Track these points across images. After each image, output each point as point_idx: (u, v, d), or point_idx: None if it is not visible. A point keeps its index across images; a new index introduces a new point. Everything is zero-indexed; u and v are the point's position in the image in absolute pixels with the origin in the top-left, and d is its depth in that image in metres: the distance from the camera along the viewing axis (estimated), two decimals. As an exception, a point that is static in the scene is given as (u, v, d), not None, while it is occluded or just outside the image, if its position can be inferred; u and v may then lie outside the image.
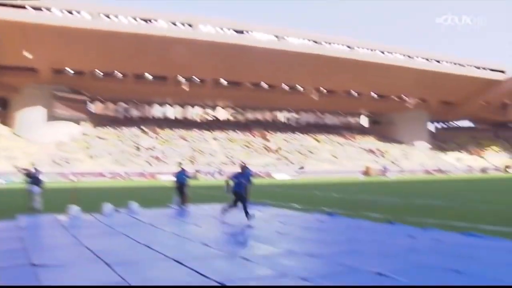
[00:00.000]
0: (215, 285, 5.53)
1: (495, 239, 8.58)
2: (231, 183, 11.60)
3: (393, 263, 6.73)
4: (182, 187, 15.63)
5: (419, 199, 19.39)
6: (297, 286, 5.45)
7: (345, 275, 6.07)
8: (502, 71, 73.58)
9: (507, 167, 71.41)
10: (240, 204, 11.50)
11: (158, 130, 65.90)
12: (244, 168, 11.71)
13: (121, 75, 59.13)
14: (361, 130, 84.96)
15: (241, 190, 11.44)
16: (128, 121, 68.91)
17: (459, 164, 75.27)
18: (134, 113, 75.38)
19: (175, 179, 15.76)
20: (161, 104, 75.38)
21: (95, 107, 71.53)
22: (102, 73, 58.11)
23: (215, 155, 61.85)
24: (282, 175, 54.89)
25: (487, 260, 6.77)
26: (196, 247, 8.14)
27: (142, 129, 65.69)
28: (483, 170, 69.19)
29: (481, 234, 9.07)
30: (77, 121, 60.22)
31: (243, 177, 11.52)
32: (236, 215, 13.42)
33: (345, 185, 33.78)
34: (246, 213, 11.29)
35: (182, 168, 16.13)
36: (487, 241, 8.38)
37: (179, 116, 75.29)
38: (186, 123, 71.86)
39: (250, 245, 8.45)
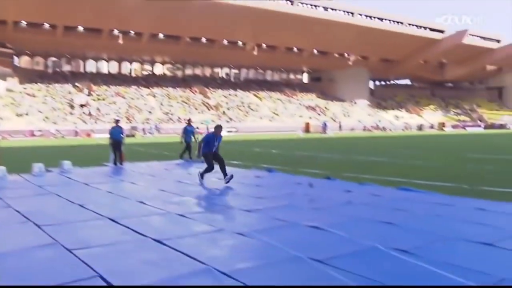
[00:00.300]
0: (152, 242, 5.53)
1: (428, 193, 9.05)
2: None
3: (330, 217, 6.97)
4: (117, 144, 15.29)
5: (356, 155, 20.07)
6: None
7: (282, 229, 6.22)
8: (442, 31, 76.04)
9: (442, 125, 75.07)
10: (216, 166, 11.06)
11: (92, 86, 63.46)
12: (219, 130, 11.17)
13: (50, 26, 55.83)
14: (302, 87, 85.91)
15: (216, 151, 11.15)
16: (60, 77, 65.63)
17: (397, 121, 78.29)
18: (66, 68, 71.91)
19: (110, 136, 15.37)
20: (95, 59, 72.15)
21: (22, 62, 67.50)
22: (27, 24, 54.50)
23: (153, 112, 60.73)
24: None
25: (420, 213, 7.13)
26: (131, 205, 8.06)
27: (75, 85, 62.95)
28: (420, 128, 72.41)
29: (415, 188, 9.55)
30: (2, 77, 56.76)
31: (217, 139, 11.12)
32: (173, 173, 13.38)
33: (284, 141, 34.33)
34: (225, 174, 10.85)
35: (118, 125, 15.72)
36: (420, 195, 8.82)
37: (115, 72, 72.61)
38: (122, 79, 69.58)
39: (187, 202, 8.46)
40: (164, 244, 5.42)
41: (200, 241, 5.65)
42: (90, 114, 55.79)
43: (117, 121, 16.04)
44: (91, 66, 72.97)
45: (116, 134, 15.28)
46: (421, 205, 7.77)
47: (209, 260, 4.74)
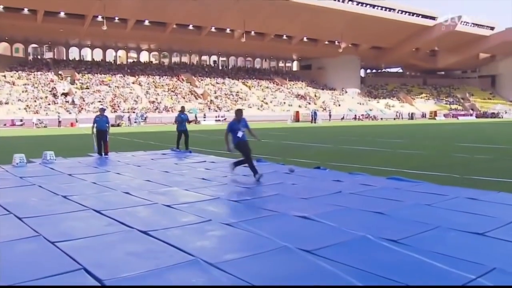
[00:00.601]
0: (138, 233, 5.52)
1: (419, 182, 9.12)
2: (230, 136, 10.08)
3: (319, 207, 7.00)
4: (103, 134, 15.19)
5: (347, 144, 20.15)
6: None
7: (270, 220, 6.25)
8: (433, 18, 76.23)
9: (434, 114, 75.51)
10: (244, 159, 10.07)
11: (75, 74, 62.87)
12: (240, 114, 10.18)
13: (30, 11, 54.94)
14: (292, 75, 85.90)
15: (245, 140, 10.03)
16: (41, 65, 64.93)
17: (389, 110, 78.64)
18: (48, 55, 71.03)
19: (95, 125, 15.26)
20: (78, 46, 71.30)
21: (1, 49, 66.52)
22: (5, 9, 53.37)
23: (139, 101, 60.38)
24: (209, 121, 54.94)
25: (410, 203, 7.19)
26: (117, 196, 8.03)
27: (57, 73, 62.29)
28: (411, 117, 72.81)
29: (405, 178, 9.62)
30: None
31: (241, 123, 10.07)
32: (159, 163, 13.34)
33: (273, 130, 34.34)
34: (253, 169, 9.76)
35: (103, 114, 15.61)
36: (410, 185, 8.89)
37: (99, 59, 71.90)
38: (106, 67, 69.03)
39: (173, 192, 8.45)
40: (151, 236, 5.41)
41: (188, 232, 5.65)
42: (73, 103, 55.32)
43: (102, 110, 15.93)
44: (74, 53, 72.17)
45: (101, 123, 15.18)
46: (412, 195, 7.84)
47: (197, 252, 4.74)
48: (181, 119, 17.49)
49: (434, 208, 6.82)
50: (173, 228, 5.82)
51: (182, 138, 17.27)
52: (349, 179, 9.71)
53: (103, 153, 15.12)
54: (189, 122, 18.05)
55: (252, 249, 4.91)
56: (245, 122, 10.17)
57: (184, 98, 64.49)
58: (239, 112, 10.24)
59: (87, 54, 75.34)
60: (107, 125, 15.29)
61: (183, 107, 19.26)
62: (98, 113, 15.72)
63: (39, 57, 69.57)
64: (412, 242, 5.06)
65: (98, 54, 72.89)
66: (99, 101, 56.14)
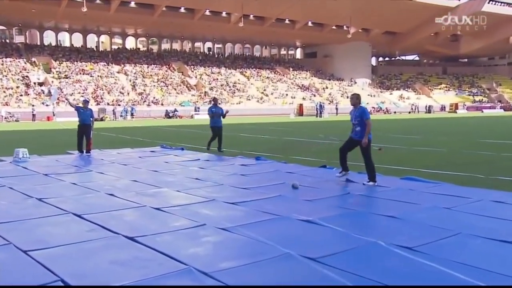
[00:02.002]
0: (123, 239, 5.52)
1: (437, 183, 9.11)
2: None
3: (325, 209, 7.00)
4: (86, 128, 15.19)
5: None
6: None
7: (270, 224, 6.26)
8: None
9: (455, 106, 75.13)
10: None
11: (52, 61, 62.73)
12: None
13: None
14: (295, 64, 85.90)
15: None
16: (11, 50, 64.55)
17: (403, 103, 78.62)
18: (19, 39, 70.62)
19: (78, 119, 15.27)
20: (54, 30, 70.80)
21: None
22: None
23: (125, 93, 60.37)
24: (203, 115, 54.92)
25: (427, 206, 7.18)
26: (100, 198, 8.03)
27: (30, 60, 62.02)
28: (429, 110, 72.65)
29: (422, 178, 9.62)
30: None
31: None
32: (148, 161, 13.34)
33: (274, 125, 34.36)
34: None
35: (87, 106, 15.61)
36: (427, 186, 8.88)
37: (79, 45, 71.75)
38: (87, 54, 68.96)
39: (164, 194, 8.46)
40: (138, 242, 5.41)
41: (179, 238, 5.65)
42: (49, 94, 55.06)
43: (85, 102, 15.93)
44: (50, 37, 71.58)
45: (85, 116, 15.19)
46: (429, 197, 7.84)
47: (189, 259, 4.74)
48: (213, 113, 16.05)
49: (455, 212, 6.81)
50: (163, 233, 5.82)
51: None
52: (358, 179, 9.70)
53: (84, 151, 15.11)
54: (224, 116, 16.25)
55: (250, 256, 4.91)
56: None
57: (175, 89, 64.53)
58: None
59: (64, 39, 75.05)
60: (91, 119, 15.31)
61: (215, 99, 17.32)
62: (81, 105, 15.73)
63: (7, 41, 68.83)
64: (429, 249, 5.04)
65: (77, 39, 72.59)
66: (79, 92, 56.10)
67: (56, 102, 50.46)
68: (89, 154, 15.03)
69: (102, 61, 67.35)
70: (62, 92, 55.06)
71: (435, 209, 6.99)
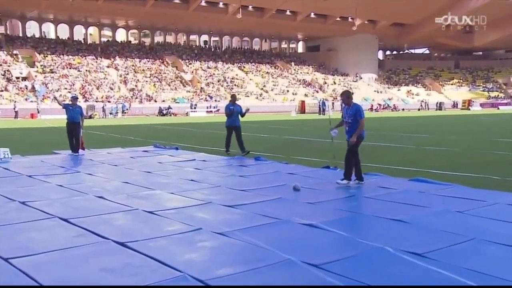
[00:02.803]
0: (114, 245, 5.53)
1: (448, 185, 9.12)
2: None
3: (328, 213, 7.02)
4: (75, 126, 15.20)
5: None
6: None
7: (270, 228, 6.28)
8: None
9: (468, 103, 74.93)
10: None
11: (36, 54, 62.56)
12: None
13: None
14: (297, 59, 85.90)
15: None
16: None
17: (412, 99, 78.59)
18: (0, 30, 70.08)
19: (66, 116, 15.27)
20: (38, 20, 70.29)
21: None
22: None
23: (115, 88, 60.33)
24: (199, 112, 55.05)
25: (437, 209, 7.19)
26: (89, 201, 8.04)
27: (12, 52, 61.76)
28: (440, 107, 72.54)
29: (432, 179, 9.63)
30: None
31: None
32: (140, 161, 13.34)
33: (274, 123, 34.38)
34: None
35: (76, 103, 15.61)
36: (438, 188, 8.89)
37: (65, 37, 71.51)
38: (75, 47, 68.85)
39: (157, 196, 8.46)
40: (129, 248, 5.42)
41: (174, 243, 5.67)
42: (33, 89, 54.91)
43: (75, 99, 15.96)
44: (33, 29, 71.05)
45: (74, 113, 15.22)
46: (440, 200, 7.85)
47: (184, 266, 4.76)
48: (231, 111, 15.23)
49: (468, 216, 6.82)
50: (156, 238, 5.83)
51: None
52: (364, 180, 9.72)
53: (79, 150, 15.18)
54: (243, 115, 15.53)
55: (249, 263, 4.92)
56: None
57: (169, 85, 64.50)
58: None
59: (49, 30, 74.69)
60: (80, 116, 15.35)
61: (234, 96, 16.30)
62: (70, 102, 15.76)
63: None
64: (440, 256, 5.05)
65: (63, 31, 71.98)
66: (66, 88, 56.00)
67: (42, 99, 50.35)
68: (82, 153, 15.10)
69: (91, 54, 67.25)
70: (48, 88, 55.06)
71: (447, 212, 7.00)
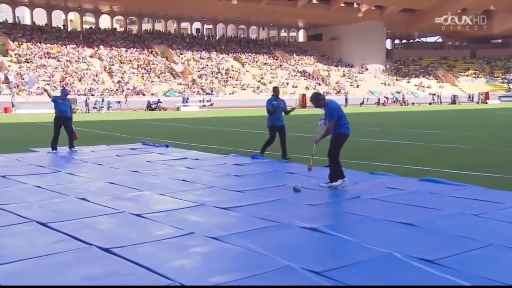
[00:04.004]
0: (100, 251, 5.53)
1: (462, 185, 9.13)
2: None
3: (331, 216, 7.05)
4: (67, 121, 15.24)
5: (367, 137, 20.15)
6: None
7: (269, 232, 6.28)
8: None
9: (485, 96, 74.88)
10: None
11: (9, 42, 62.33)
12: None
13: None
14: (297, 48, 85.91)
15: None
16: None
17: (423, 93, 78.65)
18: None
19: (55, 110, 15.33)
20: (11, 4, 69.62)
21: None
22: None
23: (99, 80, 60.25)
24: (191, 107, 55.05)
25: (450, 212, 7.21)
26: (70, 204, 8.04)
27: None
28: (454, 101, 72.59)
29: (444, 179, 9.63)
30: None
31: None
32: (127, 160, 13.34)
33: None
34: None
35: (65, 97, 15.61)
36: (451, 189, 8.89)
37: (42, 23, 71.24)
38: (54, 34, 68.70)
39: (145, 198, 8.46)
40: (115, 254, 5.42)
41: (163, 249, 5.67)
42: (7, 81, 54.71)
43: (65, 94, 16.00)
44: (5, 13, 70.37)
45: (65, 107, 15.27)
46: (453, 201, 7.87)
47: (175, 274, 4.76)
48: (274, 108, 13.59)
49: (484, 220, 6.82)
50: (144, 243, 5.83)
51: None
52: (370, 180, 9.76)
53: (68, 146, 15.42)
54: (287, 112, 13.85)
55: (246, 269, 4.93)
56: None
57: (158, 77, 64.46)
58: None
59: (24, 15, 74.28)
60: (69, 109, 15.54)
61: (276, 88, 14.61)
62: (60, 94, 15.82)
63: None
64: (453, 263, 5.05)
65: (40, 17, 71.42)
66: (44, 80, 55.80)
67: (16, 92, 50.07)
68: (74, 149, 15.36)
69: (72, 43, 67.10)
70: (24, 80, 54.97)
71: (461, 215, 7.01)
